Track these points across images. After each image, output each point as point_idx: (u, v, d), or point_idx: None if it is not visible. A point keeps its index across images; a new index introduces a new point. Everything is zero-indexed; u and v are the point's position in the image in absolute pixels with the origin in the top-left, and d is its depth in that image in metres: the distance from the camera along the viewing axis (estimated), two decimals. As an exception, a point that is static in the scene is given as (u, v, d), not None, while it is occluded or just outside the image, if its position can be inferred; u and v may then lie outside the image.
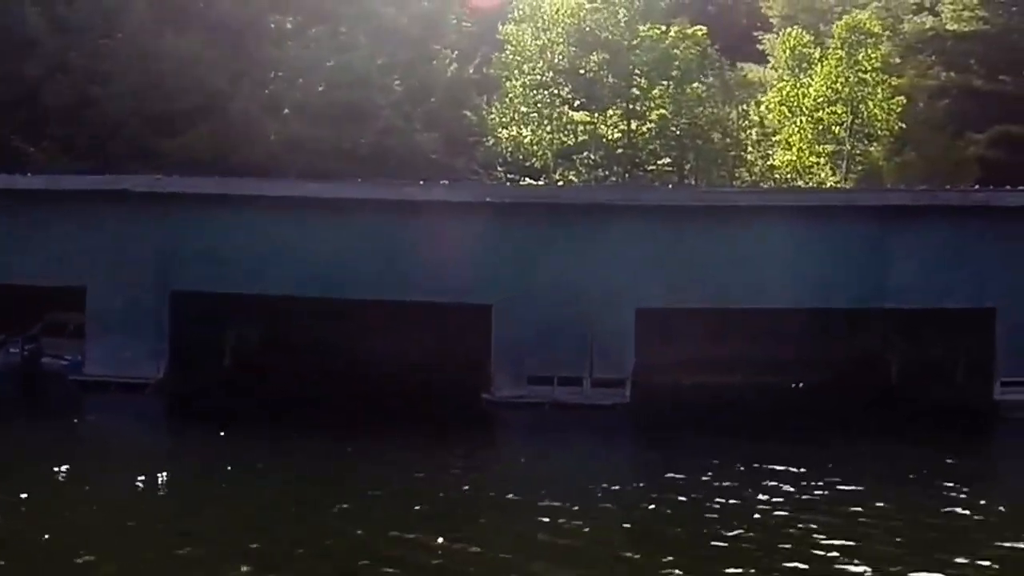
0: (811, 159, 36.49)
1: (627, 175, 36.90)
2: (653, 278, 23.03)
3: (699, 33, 37.45)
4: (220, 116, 33.91)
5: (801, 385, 28.82)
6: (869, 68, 36.12)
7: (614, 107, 37.21)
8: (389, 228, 22.96)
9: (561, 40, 36.45)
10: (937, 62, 45.48)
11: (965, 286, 23.21)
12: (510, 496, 14.90)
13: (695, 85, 37.94)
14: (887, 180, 36.89)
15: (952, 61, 45.29)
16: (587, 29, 36.07)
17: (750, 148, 38.67)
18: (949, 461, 18.26)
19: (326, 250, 22.98)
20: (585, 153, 36.94)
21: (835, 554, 11.77)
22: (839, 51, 36.08)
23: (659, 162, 37.97)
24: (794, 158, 36.46)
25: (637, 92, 36.99)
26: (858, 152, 37.93)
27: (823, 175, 36.14)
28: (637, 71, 37.00)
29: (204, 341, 25.16)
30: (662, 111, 37.02)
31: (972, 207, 23.45)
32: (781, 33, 39.93)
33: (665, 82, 36.96)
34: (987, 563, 11.56)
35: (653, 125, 37.27)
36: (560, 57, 36.68)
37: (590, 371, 22.97)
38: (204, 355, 25.20)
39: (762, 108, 38.39)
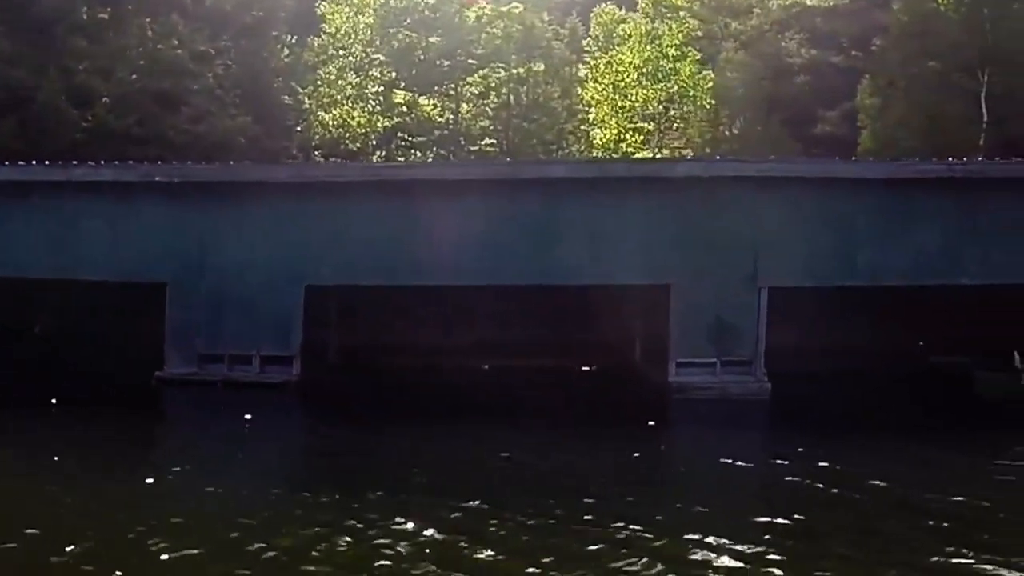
0: (629, 137, 36.09)
1: (451, 155, 36.84)
2: (322, 255, 23.08)
3: (514, 12, 37.16)
4: (27, 107, 34.66)
5: (592, 368, 28.83)
6: (671, 44, 35.60)
7: (439, 88, 37.16)
8: (61, 209, 23.28)
9: (373, 22, 36.46)
10: (804, 38, 44.63)
11: (637, 261, 22.83)
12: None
13: (533, 66, 37.73)
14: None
15: (816, 37, 44.44)
16: (397, 8, 36.06)
17: (571, 128, 38.28)
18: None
19: (4, 231, 23.47)
20: (400, 134, 36.95)
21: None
22: (640, 27, 35.62)
23: (482, 143, 37.78)
24: (610, 136, 36.10)
25: (459, 73, 36.90)
26: (671, 129, 37.41)
27: (640, 153, 35.66)
28: (459, 52, 36.93)
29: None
30: (485, 90, 36.86)
31: (638, 178, 23.03)
32: (594, 11, 39.49)
33: (488, 63, 36.84)
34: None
35: (473, 106, 37.18)
36: (376, 38, 36.68)
37: (259, 349, 23.13)
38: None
39: (584, 88, 38.02)
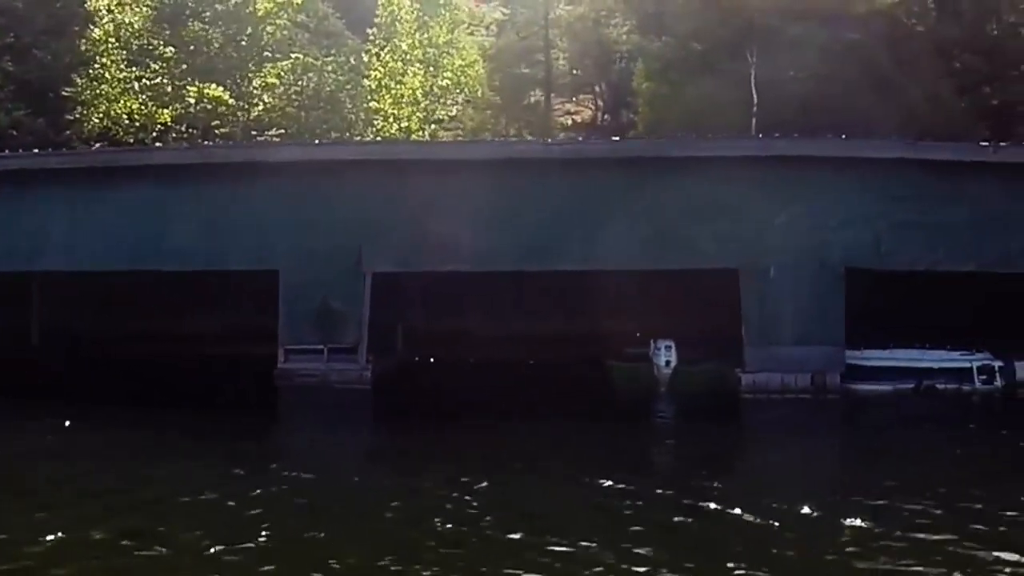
0: (415, 127, 35.77)
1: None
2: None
3: (296, 1, 36.88)
4: None
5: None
6: (440, 31, 35.42)
7: (228, 79, 37.09)
8: None
9: (147, 14, 36.49)
10: (634, 25, 43.91)
11: (249, 247, 22.71)
12: None
13: (323, 55, 37.47)
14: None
15: (645, 24, 43.62)
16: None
17: (358, 117, 37.82)
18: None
19: None
20: (183, 125, 36.95)
21: None
22: (411, 13, 35.38)
23: (269, 133, 37.54)
24: (387, 124, 35.75)
25: (247, 63, 36.86)
26: (446, 117, 37.10)
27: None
28: (247, 42, 36.91)
29: None
30: (275, 80, 36.69)
31: (249, 163, 22.81)
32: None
33: (279, 53, 36.76)
34: None
35: (257, 97, 37.08)
36: (158, 29, 36.69)
37: None
38: None
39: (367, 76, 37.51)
